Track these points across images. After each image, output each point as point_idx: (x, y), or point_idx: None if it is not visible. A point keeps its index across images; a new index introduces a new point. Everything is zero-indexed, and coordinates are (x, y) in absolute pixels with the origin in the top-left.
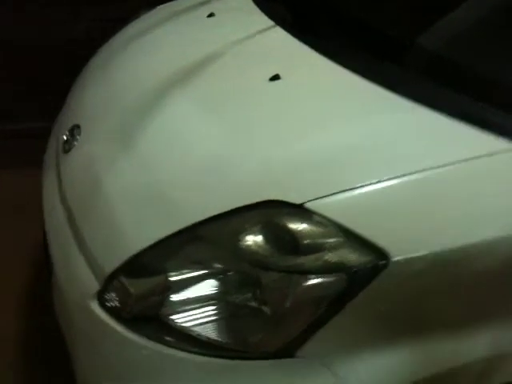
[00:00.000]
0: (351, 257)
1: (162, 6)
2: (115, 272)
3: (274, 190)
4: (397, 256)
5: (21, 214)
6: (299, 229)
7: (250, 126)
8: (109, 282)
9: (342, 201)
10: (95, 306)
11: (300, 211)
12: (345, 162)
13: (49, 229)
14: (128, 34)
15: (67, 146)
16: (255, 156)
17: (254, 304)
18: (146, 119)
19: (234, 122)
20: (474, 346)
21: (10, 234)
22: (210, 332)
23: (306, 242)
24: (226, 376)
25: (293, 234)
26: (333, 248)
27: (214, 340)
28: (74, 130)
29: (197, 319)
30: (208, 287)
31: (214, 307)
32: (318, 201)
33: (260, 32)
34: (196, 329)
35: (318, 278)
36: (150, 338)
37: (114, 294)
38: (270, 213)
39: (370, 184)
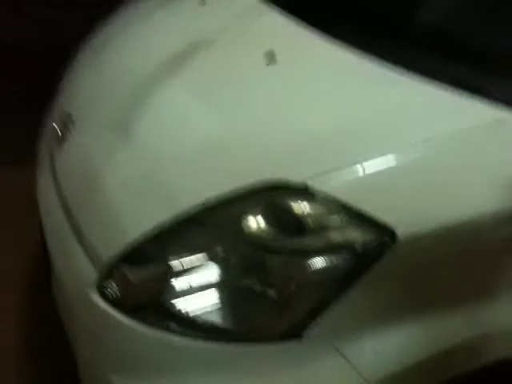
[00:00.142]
0: (356, 235)
1: None
2: (114, 260)
3: (274, 171)
4: (403, 231)
5: (19, 212)
6: (302, 209)
7: (247, 107)
8: (108, 271)
9: (344, 178)
10: (95, 296)
11: (302, 191)
12: (344, 139)
13: (45, 222)
14: (119, 22)
15: (61, 138)
16: (254, 137)
17: (258, 287)
18: (141, 106)
19: (230, 105)
20: (481, 320)
21: (10, 235)
22: (214, 317)
23: (309, 222)
24: (232, 361)
25: (296, 215)
26: (337, 227)
27: (219, 325)
28: (67, 121)
29: (200, 305)
30: (211, 272)
31: (217, 292)
32: (319, 179)
33: (253, 16)
34: (199, 314)
35: (323, 257)
36: (151, 325)
37: (113, 283)
38: (271, 194)
39: (372, 160)
